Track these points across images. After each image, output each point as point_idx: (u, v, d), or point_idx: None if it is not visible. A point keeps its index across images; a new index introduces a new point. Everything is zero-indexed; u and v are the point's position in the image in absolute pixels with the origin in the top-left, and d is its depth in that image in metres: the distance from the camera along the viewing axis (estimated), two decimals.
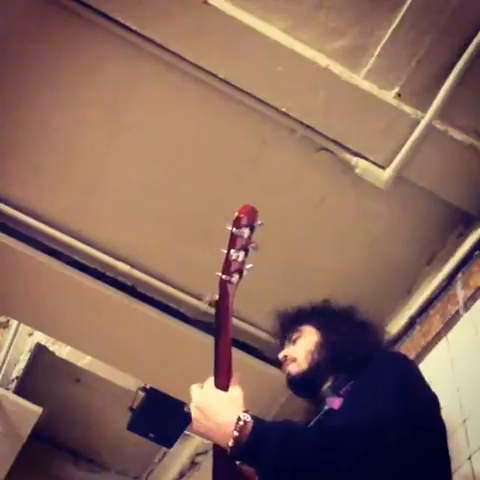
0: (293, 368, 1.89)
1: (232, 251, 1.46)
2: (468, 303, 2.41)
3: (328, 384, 1.83)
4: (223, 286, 1.50)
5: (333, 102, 2.40)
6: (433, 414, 1.66)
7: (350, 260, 2.78)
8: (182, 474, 4.82)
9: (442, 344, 2.47)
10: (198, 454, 4.66)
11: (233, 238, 1.46)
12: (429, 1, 2.22)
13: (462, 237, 2.61)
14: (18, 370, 4.55)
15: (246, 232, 1.45)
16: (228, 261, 1.47)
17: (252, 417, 1.40)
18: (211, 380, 1.50)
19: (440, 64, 2.32)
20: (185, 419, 3.93)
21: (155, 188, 2.74)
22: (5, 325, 4.37)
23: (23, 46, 2.47)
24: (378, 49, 2.32)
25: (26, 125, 2.65)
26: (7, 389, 4.54)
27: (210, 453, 4.88)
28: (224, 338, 1.51)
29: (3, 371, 4.51)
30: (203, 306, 2.95)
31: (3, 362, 4.47)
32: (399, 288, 2.83)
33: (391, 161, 2.45)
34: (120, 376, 4.05)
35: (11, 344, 4.39)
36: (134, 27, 2.36)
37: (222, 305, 1.51)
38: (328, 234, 2.75)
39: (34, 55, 2.48)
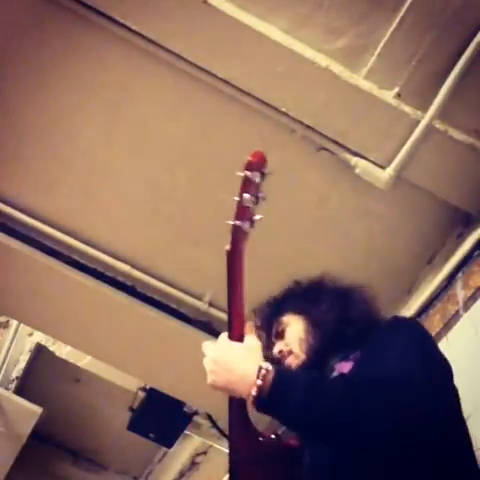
0: (293, 362, 1.77)
1: (245, 196, 1.42)
2: (468, 303, 2.40)
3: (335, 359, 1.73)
4: (236, 233, 1.45)
5: (333, 102, 2.39)
6: (450, 376, 1.62)
7: (350, 260, 2.77)
8: (182, 474, 4.81)
9: (442, 344, 2.46)
10: (198, 454, 4.66)
11: (246, 182, 1.43)
12: (429, 1, 2.22)
13: (462, 237, 2.61)
14: (18, 370, 4.55)
15: (257, 177, 1.42)
16: (241, 206, 1.43)
17: (273, 366, 1.38)
18: (224, 334, 1.48)
19: (440, 64, 2.31)
20: (185, 419, 3.93)
21: (155, 188, 2.73)
22: (5, 325, 4.36)
23: (21, 46, 2.46)
24: (378, 49, 2.32)
25: (25, 124, 2.65)
26: (7, 389, 4.53)
27: (210, 454, 4.86)
28: (237, 290, 1.47)
29: (3, 371, 4.51)
30: (203, 306, 2.96)
31: (3, 362, 4.47)
32: (399, 288, 2.82)
33: (391, 161, 2.45)
34: (120, 376, 4.04)
35: (11, 344, 4.39)
36: (134, 27, 2.36)
37: (235, 254, 1.46)
38: (328, 234, 2.75)
39: (32, 55, 2.47)
